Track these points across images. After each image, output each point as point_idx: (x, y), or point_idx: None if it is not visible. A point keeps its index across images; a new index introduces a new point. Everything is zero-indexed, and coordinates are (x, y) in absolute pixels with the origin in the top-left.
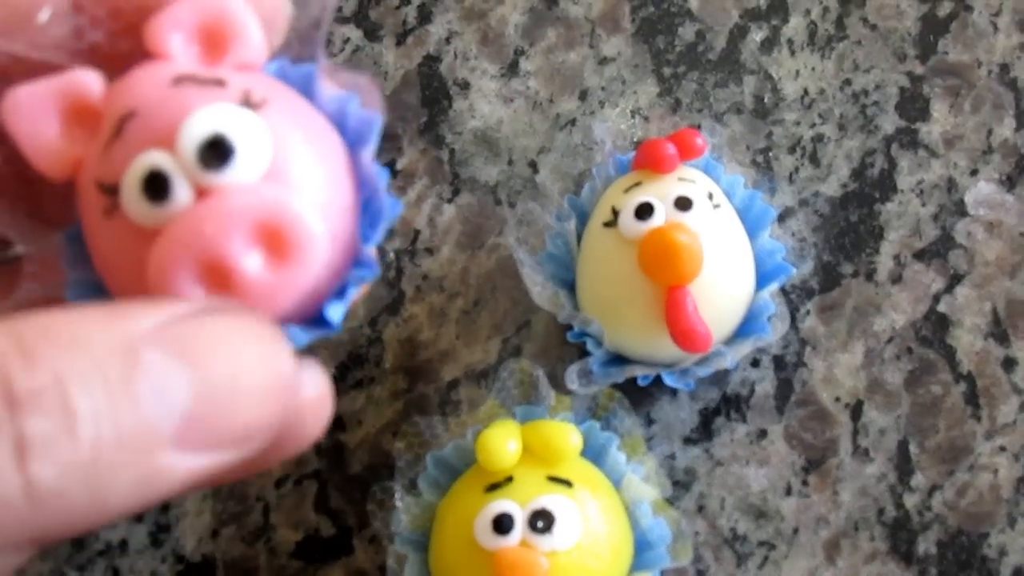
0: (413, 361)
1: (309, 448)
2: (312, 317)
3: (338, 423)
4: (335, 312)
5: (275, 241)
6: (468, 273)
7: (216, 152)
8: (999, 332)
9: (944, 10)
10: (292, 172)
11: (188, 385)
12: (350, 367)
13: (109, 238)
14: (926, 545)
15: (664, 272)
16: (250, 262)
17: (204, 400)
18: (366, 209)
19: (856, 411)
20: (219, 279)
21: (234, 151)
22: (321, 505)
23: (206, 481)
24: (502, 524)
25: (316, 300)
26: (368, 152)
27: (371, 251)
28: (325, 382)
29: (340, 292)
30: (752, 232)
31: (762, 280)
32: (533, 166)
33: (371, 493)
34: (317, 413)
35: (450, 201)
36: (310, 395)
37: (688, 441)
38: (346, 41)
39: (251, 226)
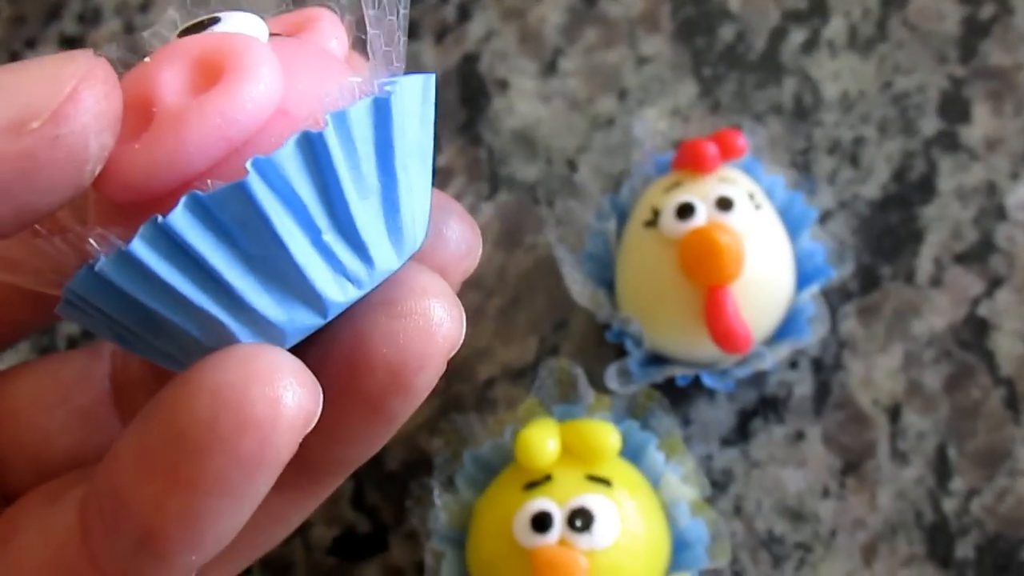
0: (450, 359)
1: None
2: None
3: None
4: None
5: (207, 69)
6: (506, 272)
7: None
8: None
9: (986, 13)
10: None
11: None
12: None
13: None
14: (964, 549)
15: (705, 272)
16: (172, 90)
17: None
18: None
19: (894, 414)
20: (141, 115)
21: None
22: (358, 502)
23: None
24: (541, 522)
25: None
26: None
27: (334, 116)
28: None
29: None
30: (792, 233)
31: (802, 281)
32: (571, 165)
33: (409, 490)
34: (262, 398)
35: (488, 199)
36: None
37: (725, 442)
38: None
39: (190, 60)
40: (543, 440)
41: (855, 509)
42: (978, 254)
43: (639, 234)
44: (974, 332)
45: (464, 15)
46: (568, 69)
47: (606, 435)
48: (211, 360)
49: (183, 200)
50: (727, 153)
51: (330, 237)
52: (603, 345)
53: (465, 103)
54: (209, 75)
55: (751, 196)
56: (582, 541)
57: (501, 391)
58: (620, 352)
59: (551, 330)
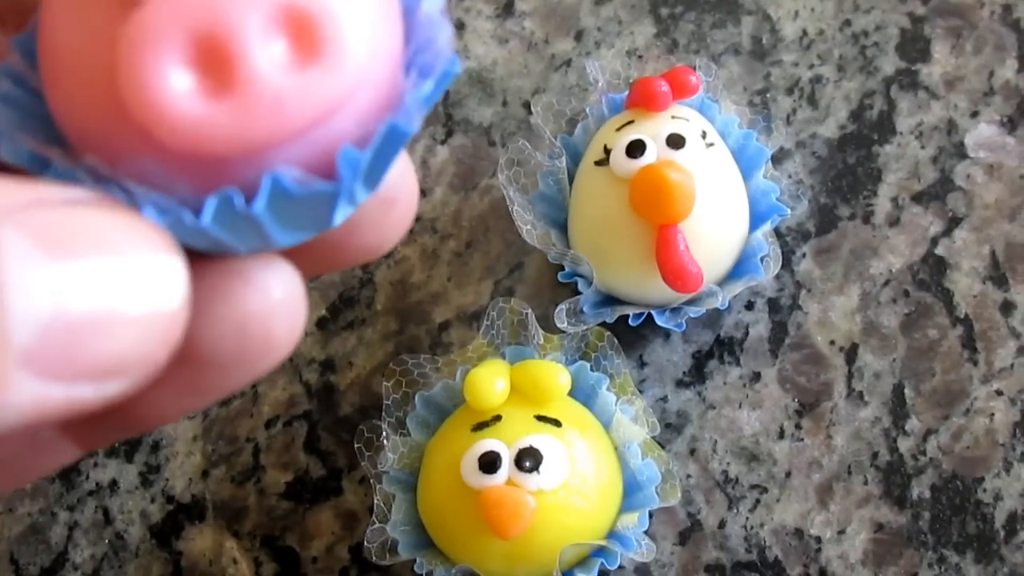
0: (405, 303)
1: (299, 388)
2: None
3: (329, 364)
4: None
5: (303, 32)
6: (461, 215)
7: None
8: (997, 276)
9: None
10: None
11: (51, 291)
12: (341, 309)
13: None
14: (920, 489)
15: (655, 210)
16: (264, 51)
17: (67, 316)
18: (415, 61)
19: (851, 354)
20: (219, 66)
21: None
22: (311, 446)
23: (55, 416)
24: (489, 463)
25: (330, 141)
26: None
27: (413, 101)
28: (294, 280)
29: (369, 175)
30: (747, 172)
31: (756, 220)
32: (527, 107)
33: (358, 432)
34: (286, 319)
35: (443, 143)
36: (275, 297)
37: (681, 384)
38: None
39: (277, 9)
40: (491, 380)
41: (811, 450)
42: (937, 193)
43: (590, 173)
44: (932, 271)
45: None
46: (525, 10)
47: (555, 375)
48: (224, 287)
49: (268, 190)
50: (679, 91)
51: (359, 185)
52: (558, 288)
53: None
54: (304, 40)
55: (703, 134)
56: (530, 481)
57: (455, 335)
58: (575, 294)
59: (506, 273)
